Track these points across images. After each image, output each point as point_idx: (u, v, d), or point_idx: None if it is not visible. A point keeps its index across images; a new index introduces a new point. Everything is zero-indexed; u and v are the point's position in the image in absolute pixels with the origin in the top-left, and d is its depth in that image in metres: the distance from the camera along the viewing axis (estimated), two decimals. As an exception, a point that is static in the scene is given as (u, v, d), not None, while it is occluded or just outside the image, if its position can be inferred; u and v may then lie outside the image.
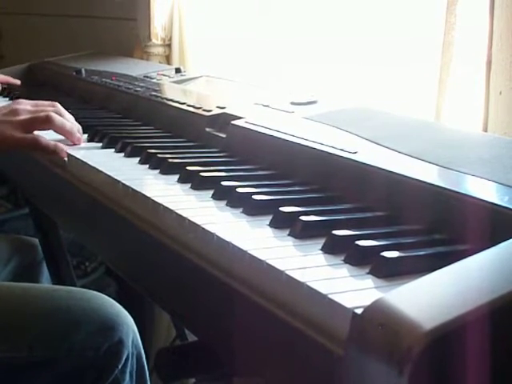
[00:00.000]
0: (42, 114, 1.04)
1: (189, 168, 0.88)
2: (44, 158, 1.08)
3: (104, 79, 1.50)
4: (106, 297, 1.07)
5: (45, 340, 0.99)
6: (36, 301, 1.04)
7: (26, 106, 1.06)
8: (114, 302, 1.06)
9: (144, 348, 1.08)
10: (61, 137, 1.07)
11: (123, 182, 0.86)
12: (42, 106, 1.07)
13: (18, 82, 1.69)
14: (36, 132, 1.03)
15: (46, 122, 1.04)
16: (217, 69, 1.63)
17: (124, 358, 1.02)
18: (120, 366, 1.02)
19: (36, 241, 1.48)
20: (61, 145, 1.03)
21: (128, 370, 1.03)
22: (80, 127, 1.10)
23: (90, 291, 1.10)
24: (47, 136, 1.05)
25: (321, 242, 0.64)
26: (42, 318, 1.02)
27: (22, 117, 1.03)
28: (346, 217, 0.71)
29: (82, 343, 1.00)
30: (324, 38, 1.50)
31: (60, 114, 1.06)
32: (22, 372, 0.99)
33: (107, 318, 1.02)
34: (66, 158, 1.01)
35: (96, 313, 1.03)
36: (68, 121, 1.07)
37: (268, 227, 0.70)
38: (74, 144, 1.07)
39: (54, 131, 1.06)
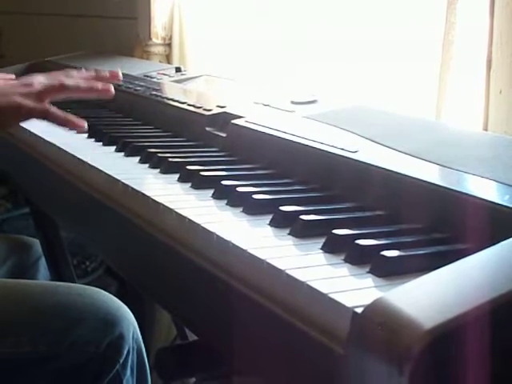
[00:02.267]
0: (56, 82, 1.03)
1: (189, 167, 0.88)
2: (44, 156, 1.08)
3: (104, 78, 1.50)
4: (106, 292, 1.07)
5: (46, 336, 1.00)
6: (37, 297, 1.05)
7: (39, 77, 1.04)
8: (114, 297, 1.07)
9: (144, 345, 1.08)
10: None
11: (123, 181, 0.86)
12: (55, 75, 1.05)
13: (12, 76, 1.68)
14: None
15: (60, 90, 1.02)
16: (217, 68, 1.63)
17: (125, 353, 1.02)
18: (121, 361, 1.02)
19: (33, 240, 1.48)
20: (72, 118, 1.01)
21: (129, 365, 1.04)
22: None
23: (90, 287, 1.10)
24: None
25: (321, 241, 0.64)
26: (44, 313, 1.02)
27: (35, 87, 1.02)
28: (346, 216, 0.71)
29: (83, 338, 1.00)
30: (324, 37, 1.49)
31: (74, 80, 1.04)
32: (24, 368, 1.00)
33: (108, 313, 1.03)
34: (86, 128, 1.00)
35: (96, 308, 1.03)
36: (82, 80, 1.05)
37: (268, 226, 0.70)
38: (106, 95, 1.04)
39: (73, 97, 1.04)
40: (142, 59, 1.83)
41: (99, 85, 1.04)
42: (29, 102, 0.99)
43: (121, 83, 1.41)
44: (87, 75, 1.06)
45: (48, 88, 1.02)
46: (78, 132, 1.03)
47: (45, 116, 1.01)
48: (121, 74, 1.08)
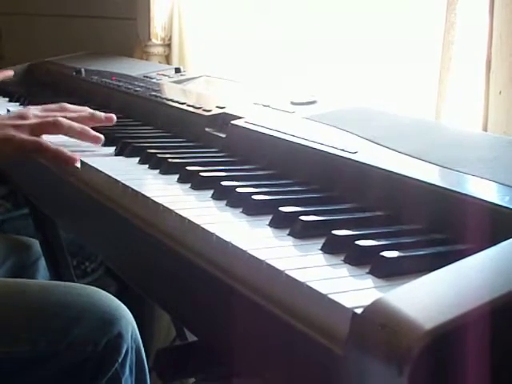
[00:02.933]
0: (50, 118, 1.04)
1: (188, 168, 0.88)
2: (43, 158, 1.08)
3: (104, 79, 1.50)
4: (105, 292, 1.08)
5: (45, 335, 1.00)
6: (36, 296, 1.05)
7: (34, 110, 1.06)
8: (113, 297, 1.07)
9: (144, 346, 1.08)
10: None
11: (123, 181, 0.86)
12: (51, 110, 1.07)
13: (11, 72, 1.69)
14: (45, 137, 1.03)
15: (54, 127, 1.03)
16: (216, 69, 1.63)
17: (123, 352, 1.02)
18: (120, 360, 1.02)
19: (32, 240, 1.48)
20: (65, 152, 1.00)
21: (128, 364, 1.04)
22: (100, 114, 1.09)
23: (89, 287, 1.10)
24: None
25: (320, 241, 0.64)
26: (43, 313, 1.02)
27: (29, 121, 1.03)
28: (345, 216, 0.71)
29: (82, 338, 1.00)
30: (324, 37, 1.49)
31: (69, 117, 1.05)
32: (23, 367, 1.00)
33: (106, 313, 1.03)
34: (78, 166, 0.98)
35: (95, 307, 1.03)
36: (77, 122, 1.06)
37: (268, 227, 0.70)
38: (95, 142, 1.05)
39: (64, 135, 1.05)
40: (141, 60, 1.83)
41: (91, 132, 1.05)
42: (21, 135, 1.00)
43: (120, 84, 1.42)
44: (83, 114, 1.08)
45: (42, 123, 1.03)
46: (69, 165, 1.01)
47: (36, 149, 1.01)
48: (115, 118, 1.10)
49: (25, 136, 1.00)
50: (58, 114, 1.06)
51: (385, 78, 1.37)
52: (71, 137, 1.06)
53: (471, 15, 1.12)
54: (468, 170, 0.72)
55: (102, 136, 1.06)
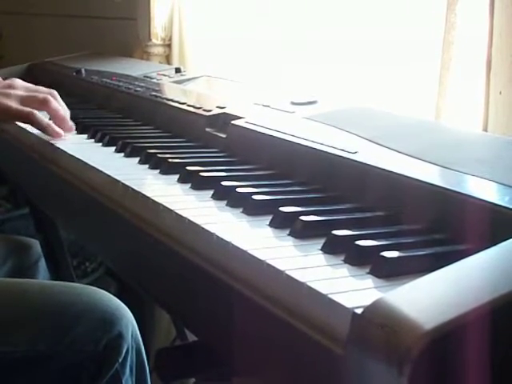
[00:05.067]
0: (41, 94, 1.09)
1: (189, 168, 0.88)
2: (44, 157, 1.08)
3: (104, 79, 1.50)
4: (105, 292, 1.07)
5: (45, 335, 1.00)
6: (36, 296, 1.05)
7: (22, 82, 1.12)
8: (113, 296, 1.07)
9: (144, 346, 1.08)
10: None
11: (123, 181, 0.86)
12: (37, 87, 1.12)
13: None
14: None
15: (43, 103, 1.09)
16: (217, 69, 1.63)
17: (124, 352, 1.02)
18: (120, 360, 1.02)
19: (33, 241, 1.48)
20: (54, 126, 1.07)
21: (128, 364, 1.03)
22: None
23: (89, 286, 1.10)
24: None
25: (321, 241, 0.64)
26: (42, 312, 1.02)
27: (20, 92, 1.08)
28: (346, 217, 0.71)
29: (82, 337, 1.00)
30: (324, 37, 1.50)
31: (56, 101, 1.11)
32: (23, 367, 1.00)
33: (106, 312, 1.03)
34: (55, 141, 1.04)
35: (95, 307, 1.03)
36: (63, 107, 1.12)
37: (268, 227, 0.70)
38: (65, 131, 1.10)
39: (48, 113, 1.10)
40: (141, 60, 1.83)
41: (56, 133, 1.09)
42: (15, 105, 1.03)
43: (121, 84, 1.42)
44: (65, 108, 1.13)
45: (31, 97, 1.08)
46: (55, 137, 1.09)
47: (29, 120, 1.04)
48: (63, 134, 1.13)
49: (20, 107, 1.06)
50: (46, 91, 1.11)
51: (385, 78, 1.37)
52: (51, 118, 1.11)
53: (471, 15, 1.12)
54: (468, 170, 0.72)
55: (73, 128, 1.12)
